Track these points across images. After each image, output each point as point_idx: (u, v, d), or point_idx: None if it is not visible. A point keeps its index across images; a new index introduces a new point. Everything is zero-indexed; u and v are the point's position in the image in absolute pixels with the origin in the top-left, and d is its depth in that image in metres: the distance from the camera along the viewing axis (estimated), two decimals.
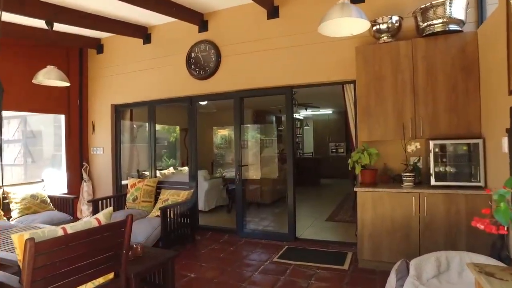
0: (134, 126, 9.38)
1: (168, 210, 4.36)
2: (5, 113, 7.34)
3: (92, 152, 6.49)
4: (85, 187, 6.34)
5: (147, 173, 7.88)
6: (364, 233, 3.66)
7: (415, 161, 3.79)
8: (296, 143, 15.31)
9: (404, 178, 3.60)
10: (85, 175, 6.35)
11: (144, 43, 5.92)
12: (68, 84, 4.16)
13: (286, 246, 4.57)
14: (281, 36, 4.76)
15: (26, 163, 7.62)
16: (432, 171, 3.48)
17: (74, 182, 6.30)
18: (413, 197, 3.44)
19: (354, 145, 4.56)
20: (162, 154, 10.63)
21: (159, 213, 4.30)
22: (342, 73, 4.44)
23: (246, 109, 11.82)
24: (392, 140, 4.02)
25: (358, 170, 3.71)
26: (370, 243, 3.63)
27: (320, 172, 11.51)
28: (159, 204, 4.83)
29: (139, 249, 2.89)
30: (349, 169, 3.95)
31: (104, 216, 2.33)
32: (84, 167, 6.38)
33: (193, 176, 5.51)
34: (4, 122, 8.06)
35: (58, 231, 2.01)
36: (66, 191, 6.12)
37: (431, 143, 3.53)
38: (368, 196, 3.63)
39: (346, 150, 12.75)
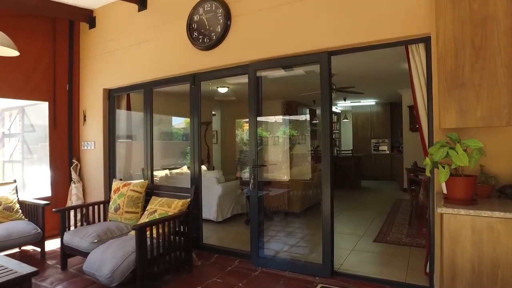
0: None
1: (148, 228, 3.05)
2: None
3: (83, 147, 5.37)
4: (74, 189, 5.22)
5: (155, 173, 6.71)
6: (456, 286, 2.12)
7: None
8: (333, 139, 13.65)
9: None
10: (74, 175, 5.23)
11: (139, 9, 4.66)
12: (15, 53, 2.96)
13: (320, 286, 3.10)
14: None
15: (24, 159, 6.73)
16: None
17: (61, 183, 5.20)
18: None
19: (425, 139, 3.00)
20: (186, 151, 9.49)
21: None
22: (404, 26, 2.92)
23: (274, 100, 10.39)
24: (499, 128, 2.45)
25: (443, 177, 2.16)
26: None
27: (360, 172, 9.83)
28: (144, 218, 3.54)
29: None
30: (427, 174, 2.41)
31: None
32: (73, 165, 5.26)
33: (194, 179, 4.19)
34: (5, 113, 7.24)
35: None
36: (49, 194, 5.04)
37: None
38: (465, 224, 2.08)
39: (391, 148, 10.94)
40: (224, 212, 5.56)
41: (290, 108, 10.41)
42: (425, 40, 2.91)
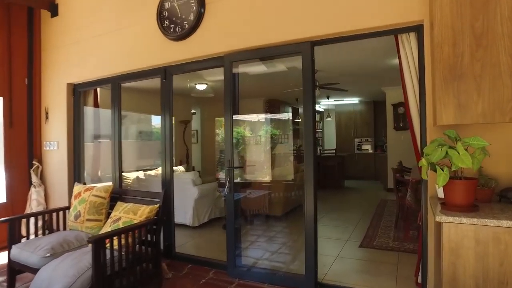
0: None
1: (107, 240, 2.67)
2: None
3: (45, 148, 4.89)
4: (34, 194, 4.74)
5: (129, 175, 6.28)
6: None
7: None
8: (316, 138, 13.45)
9: None
10: (34, 178, 4.75)
11: None
12: None
13: None
14: None
15: None
16: None
17: (19, 187, 4.71)
18: None
19: (417, 138, 2.74)
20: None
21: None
22: (394, 13, 2.65)
23: (256, 98, 10.07)
24: (499, 125, 2.21)
25: (442, 180, 1.89)
26: None
27: (344, 172, 9.64)
28: (107, 227, 3.15)
29: None
30: (423, 177, 2.13)
31: None
32: (34, 167, 4.78)
33: (166, 183, 3.81)
34: None
35: None
36: (4, 200, 4.55)
37: None
38: (467, 234, 1.81)
39: (375, 147, 10.81)
40: (201, 216, 5.19)
41: (272, 106, 10.12)
42: (417, 29, 2.64)
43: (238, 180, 5.17)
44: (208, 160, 10.71)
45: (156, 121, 9.39)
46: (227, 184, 3.26)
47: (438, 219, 1.87)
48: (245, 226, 5.30)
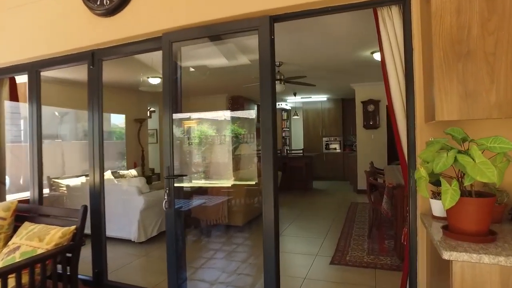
0: (56, 113, 6.85)
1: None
2: None
3: None
4: None
5: (66, 181, 5.38)
6: None
7: None
8: (283, 138, 12.96)
9: None
10: None
11: None
12: None
13: None
14: None
15: None
16: None
17: None
18: None
19: (402, 137, 2.18)
20: (123, 152, 8.19)
21: None
22: None
23: (218, 94, 9.38)
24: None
25: (450, 200, 1.32)
26: None
27: (312, 173, 9.17)
28: None
29: None
30: (423, 195, 1.54)
31: None
32: None
33: (95, 194, 3.05)
34: None
35: None
36: None
37: None
38: (490, 278, 1.25)
39: (343, 146, 10.46)
40: (149, 230, 4.44)
41: (236, 103, 9.46)
42: (403, 1, 2.08)
43: (191, 185, 4.50)
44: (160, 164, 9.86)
45: (117, 120, 8.49)
46: (166, 197, 2.56)
47: (446, 256, 1.29)
48: (199, 240, 4.62)
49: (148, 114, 12.82)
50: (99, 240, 3.03)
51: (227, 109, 9.28)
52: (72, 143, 7.28)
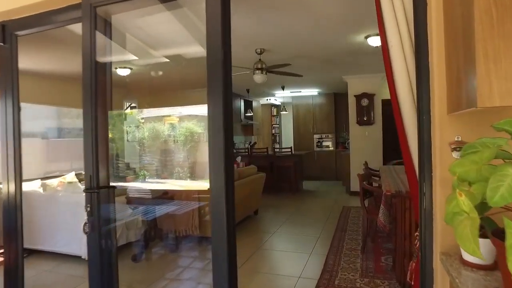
0: None
1: None
2: None
3: None
4: None
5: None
6: None
7: None
8: (272, 136, 12.32)
9: None
10: None
11: None
12: None
13: None
14: None
15: None
16: None
17: None
18: None
19: (410, 134, 1.52)
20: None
21: None
22: None
23: (200, 88, 8.69)
24: None
25: None
26: None
27: (302, 173, 8.53)
28: None
29: None
30: (470, 254, 0.87)
31: None
32: None
33: (9, 208, 2.35)
34: None
35: None
36: None
37: None
38: None
39: (336, 143, 9.82)
40: None
41: None
42: None
43: (157, 187, 3.84)
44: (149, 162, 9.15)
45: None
46: (87, 217, 1.88)
47: None
48: (165, 255, 3.95)
49: (129, 110, 12.09)
50: (14, 272, 2.33)
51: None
52: (39, 140, 6.55)
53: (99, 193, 1.89)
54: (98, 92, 1.94)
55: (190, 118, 8.90)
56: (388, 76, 1.59)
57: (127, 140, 11.93)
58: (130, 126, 10.71)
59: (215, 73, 1.64)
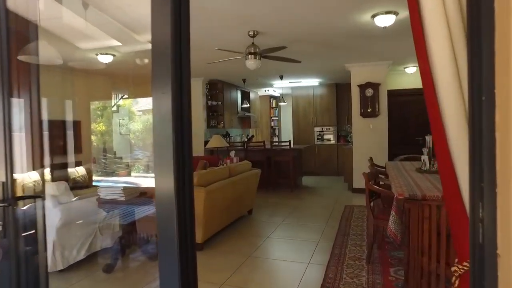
0: None
1: None
2: None
3: None
4: None
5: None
6: None
7: None
8: (271, 128, 11.82)
9: None
10: None
11: None
12: None
13: None
14: None
15: None
16: None
17: None
18: None
19: (449, 129, 1.01)
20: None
21: None
22: None
23: (195, 77, 8.14)
24: None
25: None
26: None
27: (301, 168, 8.05)
28: None
29: None
30: None
31: None
32: None
33: None
34: None
35: None
36: None
37: None
38: None
39: (337, 137, 9.32)
40: (71, 253, 3.28)
41: (214, 89, 8.25)
42: None
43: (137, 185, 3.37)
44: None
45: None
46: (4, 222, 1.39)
47: None
48: (144, 264, 3.48)
49: (121, 102, 11.56)
50: None
51: (204, 95, 8.10)
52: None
53: (15, 208, 1.39)
54: (13, 60, 1.43)
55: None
56: (423, 70, 1.08)
57: (120, 133, 11.44)
58: (123, 119, 10.23)
59: (158, 43, 1.13)
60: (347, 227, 4.39)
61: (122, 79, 7.70)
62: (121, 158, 11.07)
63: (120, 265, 3.45)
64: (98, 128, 7.25)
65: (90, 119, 7.25)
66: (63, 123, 6.36)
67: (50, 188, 3.30)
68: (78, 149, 6.71)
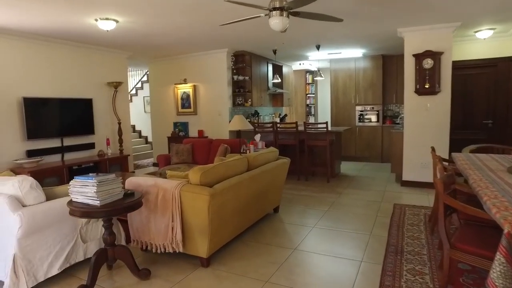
0: None
1: None
2: None
3: None
4: None
5: None
6: None
7: None
8: (307, 107, 10.72)
9: None
10: None
11: None
12: None
13: None
14: None
15: None
16: None
17: None
18: None
19: None
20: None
21: None
22: None
23: (215, 50, 7.15)
24: None
25: None
26: None
27: (340, 153, 6.98)
28: None
29: None
30: None
31: None
32: None
33: None
34: None
35: None
36: None
37: None
38: None
39: (383, 117, 8.05)
40: (40, 268, 2.59)
41: (241, 62, 7.27)
42: None
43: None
44: (162, 136, 8.04)
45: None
46: None
47: None
48: (132, 285, 2.71)
49: (140, 85, 10.92)
50: None
51: (229, 69, 7.17)
52: None
53: None
54: None
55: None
56: None
57: (144, 112, 10.87)
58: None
59: None
60: (399, 239, 3.36)
61: (135, 51, 6.93)
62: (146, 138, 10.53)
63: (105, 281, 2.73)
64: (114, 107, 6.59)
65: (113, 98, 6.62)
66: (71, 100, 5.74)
67: (8, 187, 2.59)
68: (89, 129, 6.11)
